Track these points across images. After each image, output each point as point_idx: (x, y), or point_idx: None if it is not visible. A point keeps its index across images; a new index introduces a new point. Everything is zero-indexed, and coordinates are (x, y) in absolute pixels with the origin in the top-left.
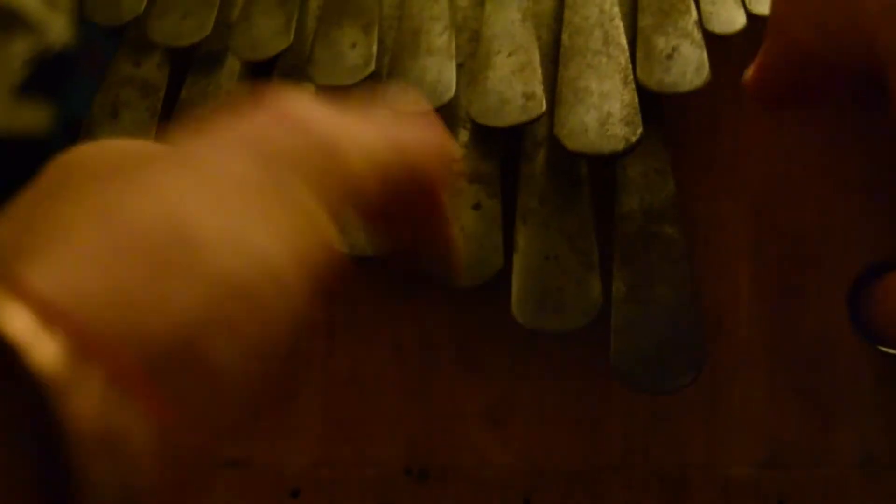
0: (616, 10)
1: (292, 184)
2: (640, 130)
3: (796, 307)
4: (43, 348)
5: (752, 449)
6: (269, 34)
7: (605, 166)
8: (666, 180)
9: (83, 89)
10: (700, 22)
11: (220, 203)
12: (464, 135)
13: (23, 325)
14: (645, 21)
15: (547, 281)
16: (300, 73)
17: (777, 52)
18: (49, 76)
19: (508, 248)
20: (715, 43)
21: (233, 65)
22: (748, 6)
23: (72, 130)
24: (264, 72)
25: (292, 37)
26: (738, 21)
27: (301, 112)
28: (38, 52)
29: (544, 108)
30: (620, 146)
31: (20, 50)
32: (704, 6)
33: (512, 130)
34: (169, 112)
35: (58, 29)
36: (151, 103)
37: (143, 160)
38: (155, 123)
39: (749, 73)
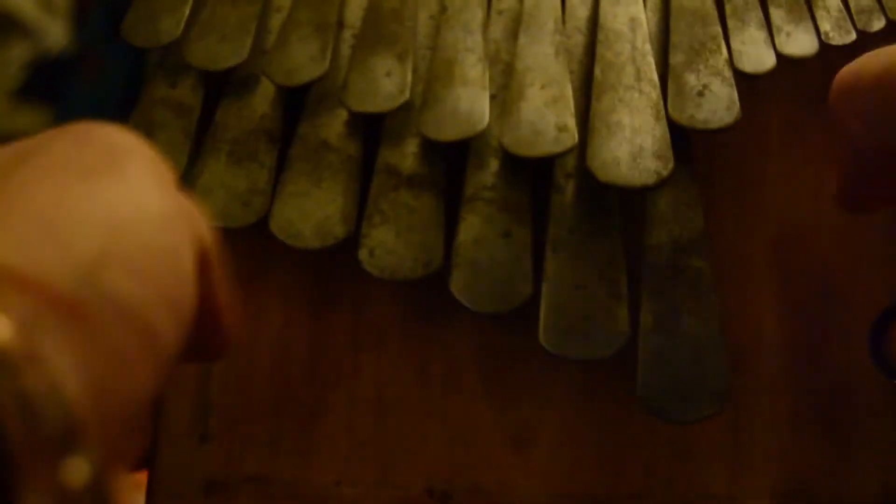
0: (648, 46)
1: (128, 165)
2: (671, 165)
3: (820, 340)
4: None
5: (774, 481)
6: (304, 60)
7: (634, 199)
8: (695, 214)
9: (81, 93)
10: (731, 61)
11: (71, 172)
12: (494, 164)
13: None
14: (676, 58)
15: (575, 309)
16: (334, 99)
17: (846, 155)
18: (47, 80)
19: (537, 276)
20: (744, 81)
21: (267, 89)
22: (778, 47)
23: None
24: (298, 97)
25: (328, 64)
26: (768, 61)
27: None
28: (35, 57)
29: (576, 139)
30: (652, 180)
31: (18, 54)
32: (735, 45)
33: (543, 161)
34: (202, 133)
35: (55, 33)
36: (186, 124)
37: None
38: (189, 144)
39: (833, 187)
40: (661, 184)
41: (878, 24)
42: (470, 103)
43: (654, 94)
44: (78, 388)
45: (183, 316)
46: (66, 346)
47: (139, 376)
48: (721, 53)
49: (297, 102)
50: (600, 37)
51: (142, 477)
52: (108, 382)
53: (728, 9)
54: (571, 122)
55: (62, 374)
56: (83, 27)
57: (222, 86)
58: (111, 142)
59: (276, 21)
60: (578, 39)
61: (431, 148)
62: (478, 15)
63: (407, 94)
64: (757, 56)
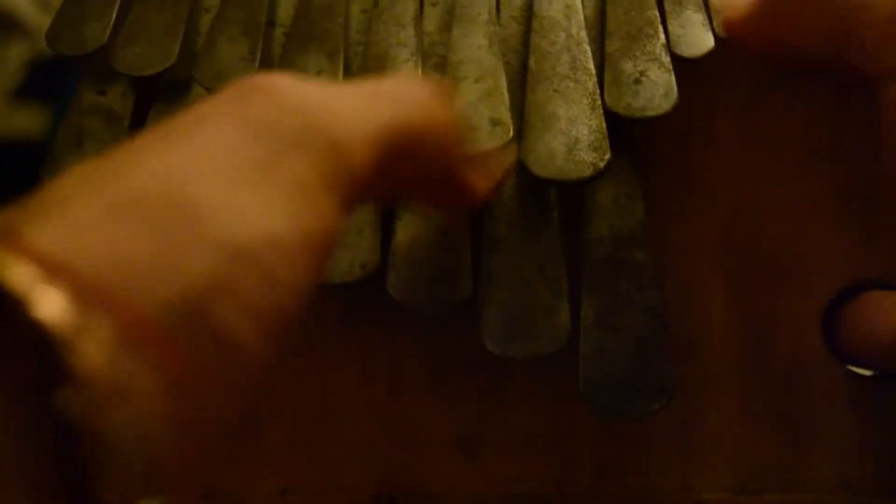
0: (583, 34)
1: (290, 161)
2: (607, 156)
3: (769, 330)
4: (47, 298)
5: (727, 474)
6: (233, 62)
7: (574, 192)
8: (636, 205)
9: None
10: (668, 46)
11: (216, 172)
12: None
13: (25, 277)
14: (612, 46)
15: (516, 308)
16: None
17: (765, 10)
18: (44, 80)
19: (477, 274)
20: (683, 66)
21: (199, 93)
22: (716, 29)
23: None
24: None
25: (257, 64)
26: (707, 44)
27: (293, 90)
28: (33, 56)
29: (511, 134)
30: (588, 172)
31: (16, 54)
32: (672, 29)
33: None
34: None
35: None
36: (116, 133)
37: (138, 140)
38: None
39: (733, 10)
40: (598, 176)
41: None
42: None
43: (590, 83)
44: (162, 427)
45: (286, 341)
46: (154, 379)
47: (228, 411)
48: (658, 38)
49: None
50: (535, 25)
51: None
52: (196, 420)
53: None
54: (506, 116)
55: (148, 410)
56: None
57: (153, 92)
58: (278, 126)
59: (205, 22)
60: (514, 29)
61: None
62: (410, 7)
63: None
64: (695, 39)
